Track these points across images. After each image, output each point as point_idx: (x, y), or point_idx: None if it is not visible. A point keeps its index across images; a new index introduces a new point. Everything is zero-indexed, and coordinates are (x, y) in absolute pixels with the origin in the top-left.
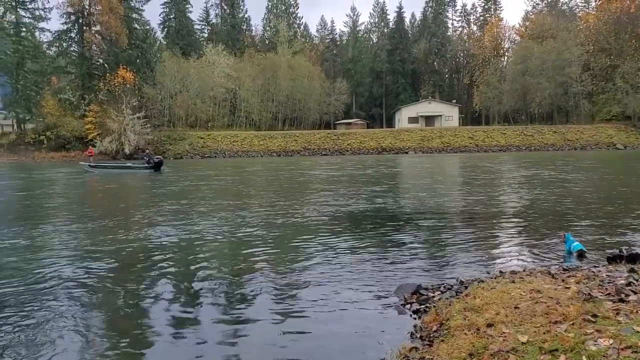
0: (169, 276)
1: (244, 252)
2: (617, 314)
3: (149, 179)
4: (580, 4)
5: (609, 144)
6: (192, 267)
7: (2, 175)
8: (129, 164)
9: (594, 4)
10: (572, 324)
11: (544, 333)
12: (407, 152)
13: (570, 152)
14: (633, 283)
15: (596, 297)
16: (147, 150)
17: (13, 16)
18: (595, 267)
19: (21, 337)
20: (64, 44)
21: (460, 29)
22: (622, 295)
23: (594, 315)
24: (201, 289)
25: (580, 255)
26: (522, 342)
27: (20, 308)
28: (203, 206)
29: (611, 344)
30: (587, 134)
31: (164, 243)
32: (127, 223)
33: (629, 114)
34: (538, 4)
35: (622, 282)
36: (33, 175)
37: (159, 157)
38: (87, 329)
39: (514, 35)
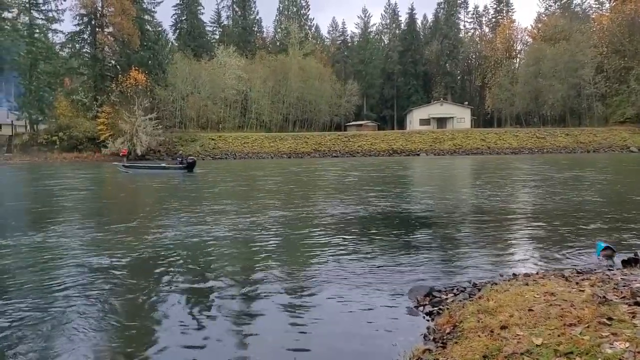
0: (194, 272)
1: (261, 250)
2: (633, 317)
3: (187, 180)
4: (593, 6)
5: (623, 147)
6: (210, 265)
7: (48, 176)
8: (163, 164)
9: (607, 5)
10: (587, 326)
11: (559, 336)
12: (418, 154)
13: (583, 155)
14: None
15: (611, 300)
16: (180, 151)
17: (27, 18)
18: (609, 270)
19: (36, 329)
20: (77, 45)
21: (472, 31)
22: (638, 299)
23: (610, 318)
24: (214, 288)
25: (608, 255)
26: (537, 345)
27: (45, 298)
28: (246, 206)
29: (627, 347)
30: (600, 137)
31: (205, 240)
32: (169, 221)
33: None
34: (551, 6)
35: (638, 285)
36: (80, 175)
37: (192, 157)
38: (96, 325)
39: (526, 37)
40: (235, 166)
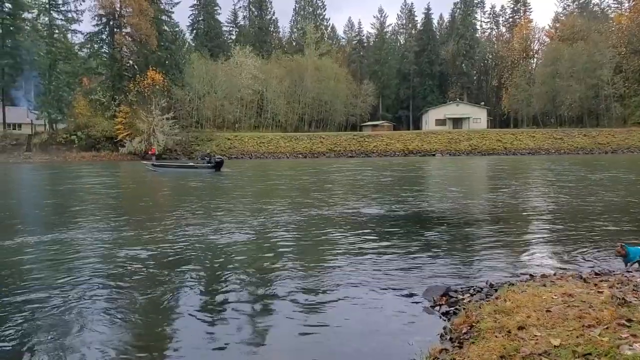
0: (218, 268)
1: (288, 249)
2: None
3: (223, 178)
4: (612, 5)
5: None
6: (235, 263)
7: (81, 175)
8: (191, 164)
9: (627, 5)
10: (606, 328)
11: (577, 337)
12: (434, 155)
13: (602, 156)
14: None
15: (630, 301)
16: (209, 151)
17: (46, 18)
18: (628, 272)
19: (61, 319)
20: (95, 45)
21: (488, 31)
22: None
23: (629, 320)
24: (234, 285)
25: None
26: (555, 346)
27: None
28: (284, 205)
29: None
30: (618, 138)
31: (236, 239)
32: (206, 220)
33: None
34: (569, 6)
35: None
36: (113, 174)
37: (220, 157)
38: (114, 319)
39: (544, 37)
40: (261, 165)
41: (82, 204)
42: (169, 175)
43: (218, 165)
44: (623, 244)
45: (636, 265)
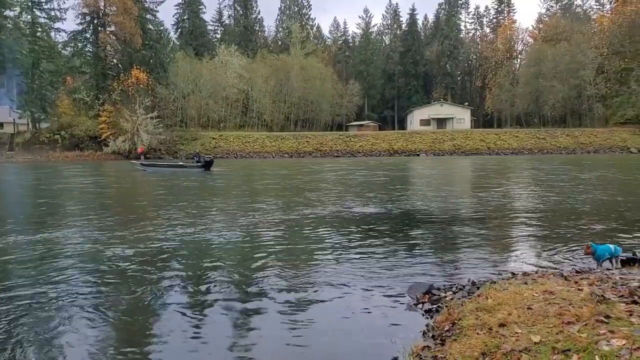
0: (206, 269)
1: (276, 248)
2: (631, 315)
3: (216, 178)
4: (594, 7)
5: (623, 148)
6: (208, 264)
7: (73, 175)
8: (181, 163)
9: (608, 6)
10: (585, 324)
11: (557, 333)
12: (418, 155)
13: (584, 156)
14: None
15: (609, 298)
16: (197, 150)
17: (29, 16)
18: (608, 269)
19: (46, 319)
20: (79, 44)
21: (473, 32)
22: (636, 297)
23: (607, 317)
24: (216, 283)
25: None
26: (535, 342)
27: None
28: (279, 204)
29: (624, 344)
30: (600, 138)
31: (226, 239)
32: (200, 220)
33: None
34: (552, 7)
35: (636, 284)
36: (106, 174)
37: (209, 156)
38: (99, 318)
39: (527, 38)
40: (249, 165)
41: (74, 203)
42: (158, 175)
43: (208, 165)
44: (590, 244)
45: (607, 263)
